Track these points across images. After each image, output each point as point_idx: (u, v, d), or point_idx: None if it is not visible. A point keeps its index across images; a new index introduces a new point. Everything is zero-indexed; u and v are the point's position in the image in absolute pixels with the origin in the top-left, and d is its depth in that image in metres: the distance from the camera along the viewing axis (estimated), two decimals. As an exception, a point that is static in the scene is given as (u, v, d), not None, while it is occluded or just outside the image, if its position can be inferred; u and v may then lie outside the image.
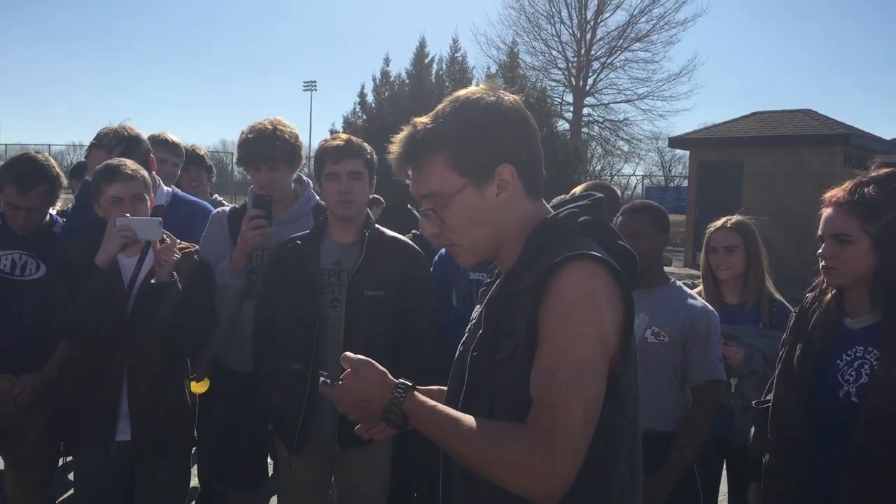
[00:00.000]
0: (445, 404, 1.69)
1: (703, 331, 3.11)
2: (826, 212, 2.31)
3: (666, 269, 3.50)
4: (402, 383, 1.64)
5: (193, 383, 3.40)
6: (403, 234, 3.41)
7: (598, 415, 1.53)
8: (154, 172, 3.55)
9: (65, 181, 3.55)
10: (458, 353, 1.79)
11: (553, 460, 1.48)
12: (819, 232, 2.33)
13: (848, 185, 2.29)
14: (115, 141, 3.53)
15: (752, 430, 2.65)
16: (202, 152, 5.30)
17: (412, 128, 1.70)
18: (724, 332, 3.43)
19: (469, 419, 1.58)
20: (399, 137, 1.72)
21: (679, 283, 3.30)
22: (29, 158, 3.42)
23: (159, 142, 4.88)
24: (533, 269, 1.60)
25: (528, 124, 1.72)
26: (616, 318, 1.57)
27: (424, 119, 1.71)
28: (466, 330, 1.81)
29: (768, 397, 2.54)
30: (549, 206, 1.77)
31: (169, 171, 4.61)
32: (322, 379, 1.71)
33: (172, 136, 4.79)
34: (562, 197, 1.99)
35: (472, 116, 1.67)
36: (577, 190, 4.11)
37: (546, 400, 1.51)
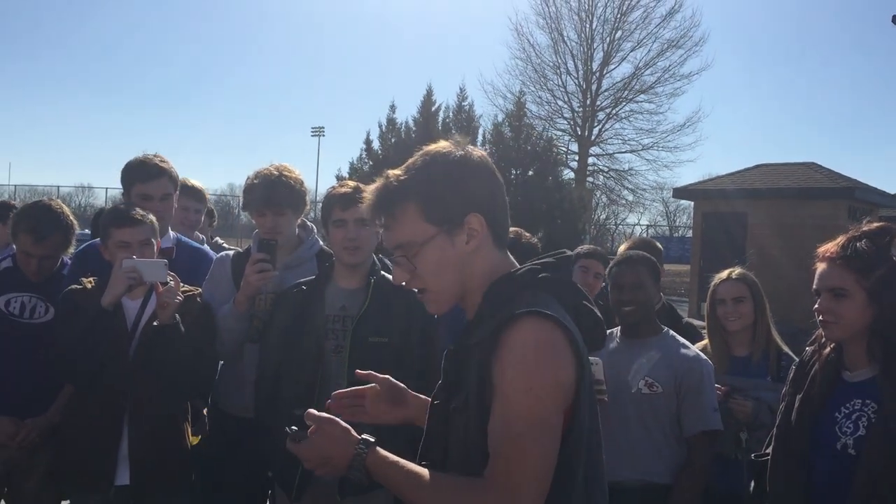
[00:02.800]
0: (418, 452, 1.77)
1: (696, 380, 3.10)
2: (820, 266, 2.35)
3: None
4: (365, 439, 1.69)
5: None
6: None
7: (553, 466, 1.58)
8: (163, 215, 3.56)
9: (78, 228, 3.57)
10: (430, 402, 1.85)
11: None
12: (814, 286, 2.36)
13: (840, 239, 2.33)
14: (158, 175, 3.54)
15: (752, 482, 2.63)
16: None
17: (385, 179, 1.76)
18: (732, 386, 3.42)
19: (430, 474, 1.63)
20: (372, 188, 1.78)
21: (672, 332, 3.29)
22: (43, 207, 3.46)
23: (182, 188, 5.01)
24: (486, 324, 1.65)
25: (495, 177, 1.79)
26: (568, 374, 1.61)
27: (397, 171, 1.77)
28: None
29: (767, 450, 2.54)
30: (513, 260, 1.82)
31: (192, 219, 4.70)
32: (289, 437, 1.74)
33: (195, 182, 4.80)
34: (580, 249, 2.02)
35: (442, 168, 1.73)
36: (623, 248, 4.13)
37: (502, 453, 1.56)
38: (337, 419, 1.74)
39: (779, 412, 2.52)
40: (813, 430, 2.31)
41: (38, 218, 3.39)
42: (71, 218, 3.51)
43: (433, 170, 1.74)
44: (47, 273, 3.49)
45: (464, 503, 1.58)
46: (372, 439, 1.70)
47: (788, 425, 2.40)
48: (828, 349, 2.39)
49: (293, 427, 1.76)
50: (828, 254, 2.33)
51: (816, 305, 2.34)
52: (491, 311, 1.68)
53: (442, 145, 1.78)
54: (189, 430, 3.26)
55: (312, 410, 1.76)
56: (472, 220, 1.71)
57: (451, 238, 1.72)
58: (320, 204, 3.37)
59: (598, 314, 1.81)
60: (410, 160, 1.80)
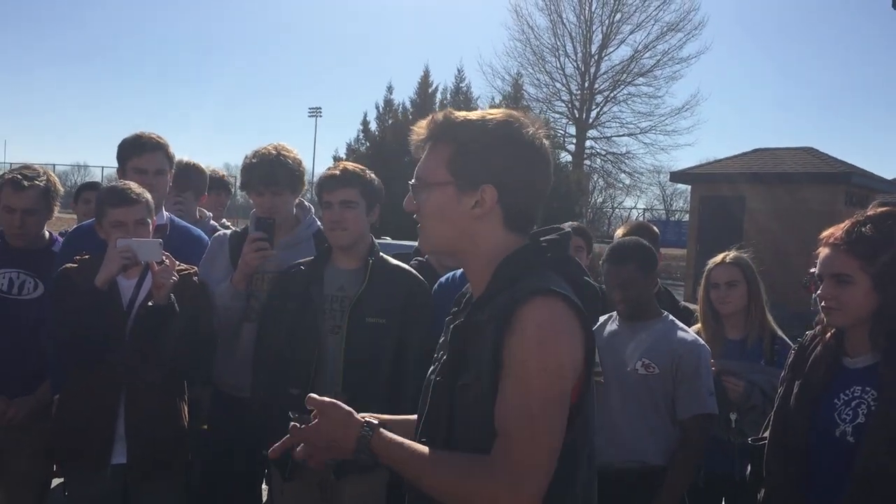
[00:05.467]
0: (415, 429, 1.78)
1: (692, 364, 3.10)
2: (824, 251, 2.32)
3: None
4: (368, 422, 1.71)
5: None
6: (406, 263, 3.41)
7: (560, 445, 1.60)
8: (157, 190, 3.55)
9: (60, 189, 3.60)
10: (426, 378, 1.85)
11: (519, 491, 1.55)
12: (817, 272, 2.33)
13: (845, 224, 2.30)
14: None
15: (748, 466, 2.63)
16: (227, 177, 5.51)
17: (446, 113, 1.79)
18: (724, 368, 3.42)
19: (435, 452, 1.64)
20: (429, 119, 1.80)
21: (671, 317, 3.29)
22: (23, 165, 3.54)
23: (215, 179, 5.13)
24: (498, 301, 1.66)
25: (539, 168, 1.78)
26: (578, 350, 1.64)
27: (461, 113, 1.80)
28: (434, 356, 1.86)
29: (764, 434, 2.53)
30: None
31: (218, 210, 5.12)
32: (291, 422, 1.76)
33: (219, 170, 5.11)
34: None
35: (490, 133, 1.73)
36: (619, 232, 4.12)
37: (512, 432, 1.57)
38: (339, 403, 1.74)
39: (777, 397, 2.50)
40: (811, 416, 2.29)
41: (18, 172, 3.46)
42: (53, 177, 3.55)
43: (482, 128, 1.74)
44: (32, 236, 3.48)
45: (471, 480, 1.58)
46: (375, 421, 1.72)
47: (787, 410, 2.38)
48: (828, 334, 2.37)
49: (295, 413, 1.77)
50: (832, 239, 2.29)
51: (819, 291, 2.31)
52: (502, 288, 1.68)
53: (514, 115, 1.78)
54: (186, 409, 3.25)
55: (313, 395, 1.77)
56: (486, 191, 1.71)
57: (460, 196, 1.73)
58: (316, 188, 3.37)
59: (598, 289, 1.83)
60: (484, 112, 1.81)
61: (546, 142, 1.79)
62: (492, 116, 1.76)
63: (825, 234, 2.33)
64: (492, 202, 1.72)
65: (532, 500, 1.56)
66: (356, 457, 1.70)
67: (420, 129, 1.81)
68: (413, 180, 1.81)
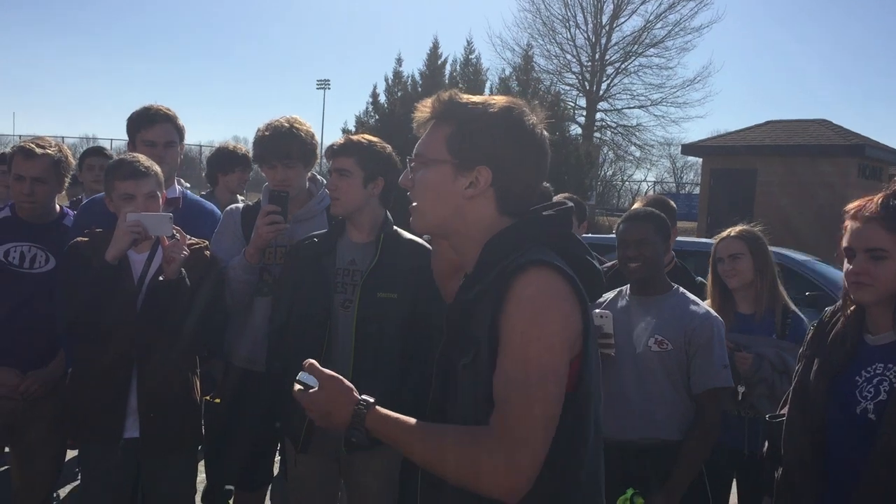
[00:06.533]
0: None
1: (704, 336, 3.08)
2: (854, 224, 2.23)
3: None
4: (364, 399, 1.71)
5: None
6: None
7: (558, 415, 1.59)
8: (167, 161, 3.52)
9: (72, 162, 3.59)
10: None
11: (514, 459, 1.54)
12: (846, 245, 2.24)
13: (878, 197, 2.20)
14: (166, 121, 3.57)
15: (766, 443, 2.60)
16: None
17: (450, 94, 1.80)
18: (733, 340, 3.41)
19: (432, 427, 1.66)
20: (434, 98, 1.81)
21: (682, 289, 3.27)
22: (34, 137, 3.53)
23: (238, 156, 5.26)
24: (490, 275, 1.66)
25: (537, 154, 1.78)
26: (575, 324, 1.63)
27: (463, 95, 1.81)
28: None
29: (783, 411, 2.49)
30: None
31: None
32: (297, 386, 1.77)
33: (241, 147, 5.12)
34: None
35: (493, 115, 1.74)
36: (637, 205, 4.10)
37: (507, 401, 1.57)
38: (339, 377, 1.75)
39: (795, 374, 2.45)
40: (832, 393, 2.24)
41: (30, 141, 3.46)
42: (65, 150, 3.52)
43: (483, 111, 1.75)
44: (42, 208, 3.47)
45: (466, 451, 1.58)
46: (371, 399, 1.71)
47: (806, 387, 2.33)
48: (849, 311, 2.30)
49: (305, 375, 1.77)
50: (865, 212, 2.20)
51: (850, 266, 2.22)
52: (492, 261, 1.69)
53: (517, 103, 1.79)
54: (198, 383, 3.26)
55: (314, 363, 1.78)
56: (481, 172, 1.73)
57: (456, 175, 1.74)
58: (325, 159, 3.35)
59: (598, 267, 1.82)
60: (486, 96, 1.83)
61: (546, 133, 1.80)
62: (494, 101, 1.78)
63: (852, 206, 2.25)
64: (485, 183, 1.73)
65: (529, 469, 1.55)
66: (349, 433, 1.71)
67: (424, 107, 1.82)
68: (415, 160, 1.81)
